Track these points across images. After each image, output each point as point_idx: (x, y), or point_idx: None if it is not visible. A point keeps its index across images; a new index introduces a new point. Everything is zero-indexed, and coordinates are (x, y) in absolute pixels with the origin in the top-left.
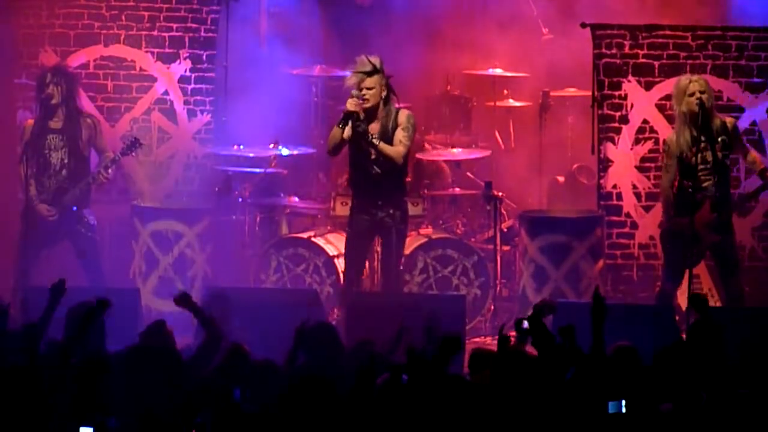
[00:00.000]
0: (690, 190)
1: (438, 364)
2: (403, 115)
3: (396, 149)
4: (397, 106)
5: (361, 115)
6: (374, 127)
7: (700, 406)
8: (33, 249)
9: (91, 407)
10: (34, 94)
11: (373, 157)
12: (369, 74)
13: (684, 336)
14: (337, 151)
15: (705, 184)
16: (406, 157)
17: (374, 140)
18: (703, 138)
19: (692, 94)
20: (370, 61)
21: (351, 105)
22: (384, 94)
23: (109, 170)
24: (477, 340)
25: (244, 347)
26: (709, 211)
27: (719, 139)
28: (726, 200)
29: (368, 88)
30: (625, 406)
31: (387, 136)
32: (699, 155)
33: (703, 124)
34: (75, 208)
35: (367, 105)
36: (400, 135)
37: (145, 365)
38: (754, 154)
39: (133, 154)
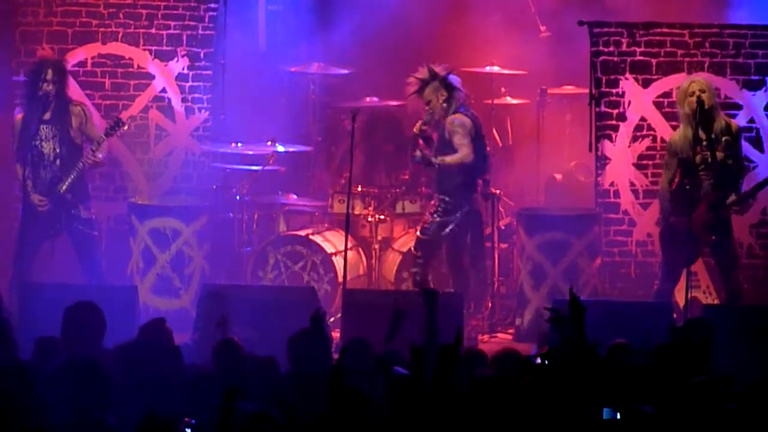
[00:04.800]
0: (687, 187)
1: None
2: (449, 123)
3: (459, 155)
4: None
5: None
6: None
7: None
8: (32, 244)
9: (90, 405)
10: (27, 86)
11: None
12: (420, 91)
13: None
14: None
15: (704, 183)
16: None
17: (434, 161)
18: (704, 137)
19: (692, 94)
20: (415, 77)
21: (415, 128)
22: (443, 98)
23: (98, 153)
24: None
25: (236, 341)
26: (705, 211)
27: (723, 139)
28: (724, 200)
29: (426, 102)
30: (620, 404)
31: (443, 144)
32: (700, 155)
33: (703, 123)
34: (70, 195)
35: (433, 118)
36: (456, 141)
37: (144, 361)
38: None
39: (118, 133)
